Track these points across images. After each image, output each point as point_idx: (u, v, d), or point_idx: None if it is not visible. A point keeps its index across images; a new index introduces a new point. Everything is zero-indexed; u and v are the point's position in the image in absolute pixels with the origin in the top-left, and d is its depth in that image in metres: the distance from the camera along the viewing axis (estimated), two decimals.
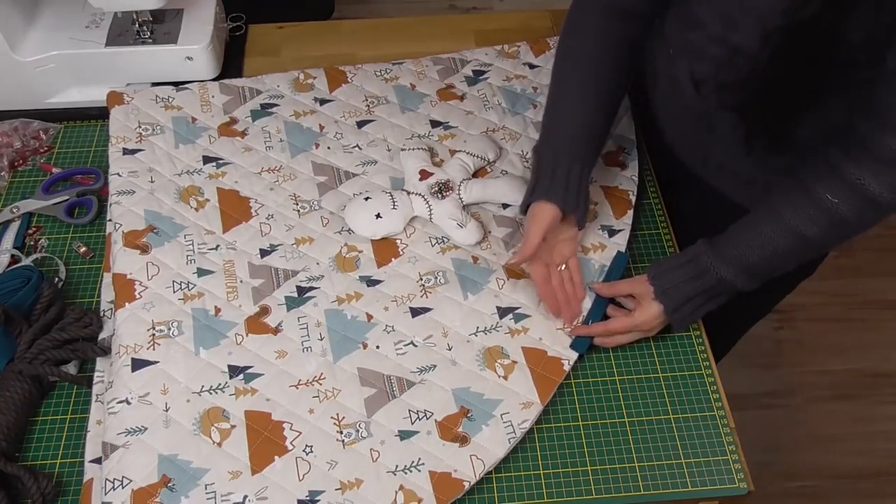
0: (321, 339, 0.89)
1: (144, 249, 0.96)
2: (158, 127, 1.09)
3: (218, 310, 0.91)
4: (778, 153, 0.89)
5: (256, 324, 0.90)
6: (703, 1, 0.86)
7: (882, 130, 0.76)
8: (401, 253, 0.98)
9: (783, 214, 0.83)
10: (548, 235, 0.92)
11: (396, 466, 0.81)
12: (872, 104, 0.76)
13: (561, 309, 0.92)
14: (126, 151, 1.06)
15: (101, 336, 0.90)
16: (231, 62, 1.22)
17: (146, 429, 0.82)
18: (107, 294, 0.94)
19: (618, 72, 0.96)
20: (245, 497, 0.78)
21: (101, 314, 0.92)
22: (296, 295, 0.93)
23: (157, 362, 0.86)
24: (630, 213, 1.03)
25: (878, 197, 0.78)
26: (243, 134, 1.10)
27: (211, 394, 0.85)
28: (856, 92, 0.78)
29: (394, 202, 0.99)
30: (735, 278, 0.86)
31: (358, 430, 0.83)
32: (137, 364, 0.86)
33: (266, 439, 0.82)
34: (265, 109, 1.13)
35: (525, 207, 0.94)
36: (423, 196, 1.01)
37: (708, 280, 0.87)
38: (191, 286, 0.93)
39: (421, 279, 0.95)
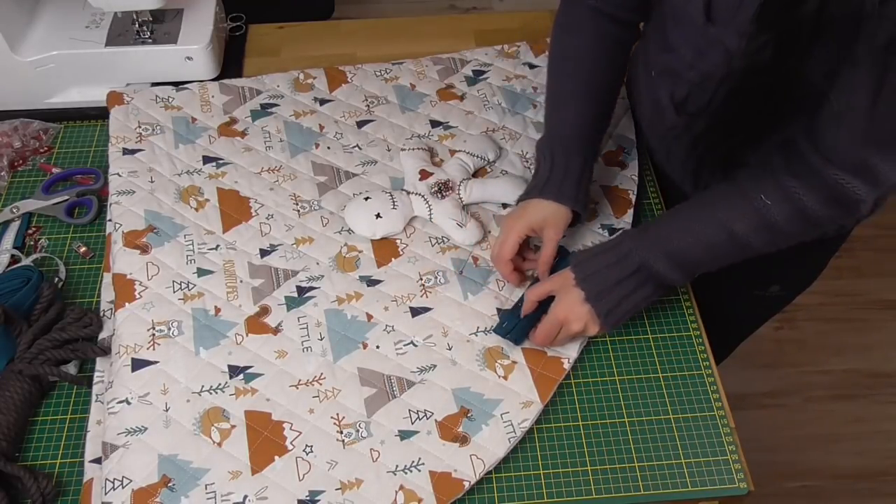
0: (321, 339, 0.89)
1: (144, 249, 0.96)
2: (158, 127, 1.09)
3: (218, 310, 0.91)
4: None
5: (256, 324, 0.90)
6: (677, 27, 0.87)
7: (817, 153, 0.77)
8: (401, 253, 0.98)
9: (715, 206, 0.84)
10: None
11: (396, 466, 0.81)
12: (813, 127, 0.77)
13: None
14: (126, 151, 1.06)
15: (101, 336, 0.90)
16: (231, 62, 1.22)
17: (146, 429, 0.82)
18: (107, 294, 0.94)
19: (614, 69, 0.97)
20: (245, 497, 0.78)
21: (101, 314, 0.92)
22: (296, 295, 0.93)
23: (157, 362, 0.86)
24: (630, 212, 1.03)
25: (809, 210, 0.79)
26: (243, 134, 1.10)
27: (211, 394, 0.85)
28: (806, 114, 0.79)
29: (394, 202, 0.99)
30: (656, 262, 0.84)
31: (358, 430, 0.83)
32: (137, 364, 0.86)
33: (266, 439, 0.82)
34: (265, 109, 1.13)
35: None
36: (423, 196, 1.01)
37: (630, 264, 0.85)
38: (191, 286, 0.93)
39: (421, 279, 0.95)
